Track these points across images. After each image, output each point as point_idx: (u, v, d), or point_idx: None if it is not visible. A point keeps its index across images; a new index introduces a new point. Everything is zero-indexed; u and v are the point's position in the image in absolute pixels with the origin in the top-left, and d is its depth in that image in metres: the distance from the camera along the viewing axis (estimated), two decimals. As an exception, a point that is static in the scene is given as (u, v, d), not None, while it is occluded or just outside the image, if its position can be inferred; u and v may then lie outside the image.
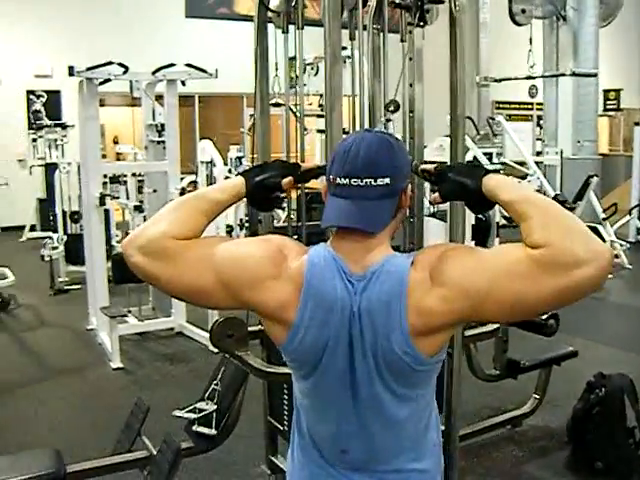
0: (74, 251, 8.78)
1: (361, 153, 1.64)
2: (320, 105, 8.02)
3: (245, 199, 1.87)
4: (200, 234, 1.72)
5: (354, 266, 1.65)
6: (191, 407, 3.60)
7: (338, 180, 1.65)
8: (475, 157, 9.31)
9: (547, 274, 1.47)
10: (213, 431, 3.53)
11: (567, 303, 1.52)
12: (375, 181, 1.62)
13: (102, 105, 13.47)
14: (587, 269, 1.45)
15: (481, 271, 1.56)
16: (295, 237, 3.73)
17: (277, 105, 4.34)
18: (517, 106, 18.39)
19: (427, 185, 3.29)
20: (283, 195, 1.93)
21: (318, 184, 1.86)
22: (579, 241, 1.48)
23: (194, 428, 3.58)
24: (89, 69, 6.25)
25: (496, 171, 1.70)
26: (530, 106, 17.74)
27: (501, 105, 18.11)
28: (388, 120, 2.08)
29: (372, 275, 1.63)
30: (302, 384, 1.79)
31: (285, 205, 3.91)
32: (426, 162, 1.93)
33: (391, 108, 2.35)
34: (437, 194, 1.79)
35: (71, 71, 6.19)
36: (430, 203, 1.86)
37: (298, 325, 1.66)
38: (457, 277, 1.57)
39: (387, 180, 1.63)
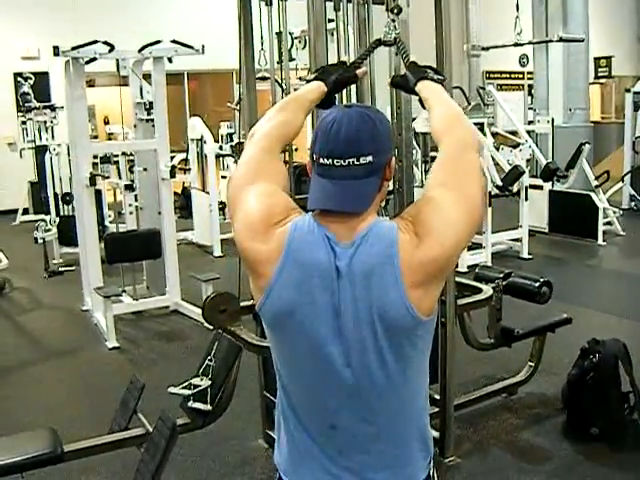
0: (67, 233, 8.76)
1: (343, 131, 1.65)
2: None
3: None
4: (301, 126, 2.00)
5: (340, 233, 1.66)
6: (186, 383, 3.60)
7: (321, 160, 1.67)
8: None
9: (458, 160, 1.79)
10: (208, 406, 3.54)
11: (479, 171, 1.81)
12: (358, 160, 1.64)
13: (92, 86, 13.50)
14: (475, 147, 1.85)
15: (443, 205, 1.66)
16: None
17: (264, 79, 4.33)
18: (508, 75, 18.34)
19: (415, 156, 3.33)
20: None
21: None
22: (468, 129, 1.90)
23: (189, 404, 3.58)
24: (74, 48, 6.19)
25: (437, 81, 2.00)
26: (521, 75, 17.70)
27: (492, 75, 18.07)
28: (393, 20, 2.33)
29: (361, 239, 1.64)
30: (282, 357, 1.78)
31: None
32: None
33: (395, 11, 2.54)
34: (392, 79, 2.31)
35: (56, 51, 6.13)
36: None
37: (274, 282, 1.66)
38: (436, 220, 1.64)
39: (370, 158, 1.64)
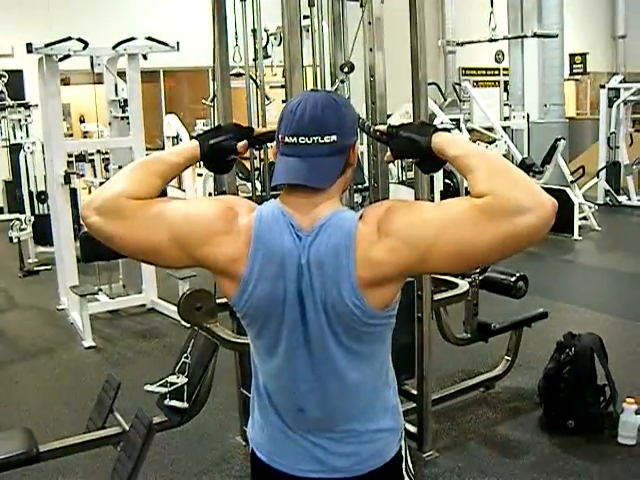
0: (42, 232, 8.69)
1: (307, 111, 1.66)
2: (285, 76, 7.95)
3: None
4: (155, 196, 1.74)
5: (303, 221, 1.67)
6: (162, 381, 3.58)
7: (286, 139, 1.67)
8: (441, 123, 9.31)
9: (491, 222, 1.49)
10: (185, 404, 3.52)
11: (510, 252, 1.56)
12: (322, 138, 1.65)
13: (67, 84, 13.39)
14: (530, 217, 1.47)
15: (427, 222, 1.57)
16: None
17: (238, 75, 4.31)
18: (484, 72, 18.40)
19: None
20: (245, 156, 1.95)
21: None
22: (523, 190, 1.50)
23: (166, 402, 3.56)
24: (47, 45, 6.15)
25: (447, 130, 1.75)
26: (497, 72, 17.77)
27: (468, 71, 18.12)
28: (342, 81, 2.04)
29: (320, 229, 1.65)
30: (257, 342, 1.80)
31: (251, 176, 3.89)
32: (377, 124, 1.91)
33: (345, 69, 2.32)
34: (389, 152, 1.81)
35: (29, 48, 6.09)
36: (386, 162, 1.88)
37: (247, 278, 1.67)
38: (403, 228, 1.58)
39: (334, 137, 1.66)
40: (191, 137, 1.87)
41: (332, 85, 2.30)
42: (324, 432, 1.78)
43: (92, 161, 10.27)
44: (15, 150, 10.52)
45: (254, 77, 4.00)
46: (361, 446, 1.79)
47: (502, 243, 1.51)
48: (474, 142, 9.41)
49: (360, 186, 5.36)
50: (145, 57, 6.79)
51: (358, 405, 1.78)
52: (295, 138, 1.66)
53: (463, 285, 4.31)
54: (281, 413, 1.80)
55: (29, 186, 9.73)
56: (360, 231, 1.62)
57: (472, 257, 1.56)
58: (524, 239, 1.51)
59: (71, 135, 14.62)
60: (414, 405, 4.06)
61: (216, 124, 2.84)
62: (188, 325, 3.95)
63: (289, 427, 1.80)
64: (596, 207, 10.75)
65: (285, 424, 1.80)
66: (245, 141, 1.86)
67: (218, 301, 3.70)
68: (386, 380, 1.84)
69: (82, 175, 8.06)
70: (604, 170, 12.03)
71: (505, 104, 14.04)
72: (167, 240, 1.67)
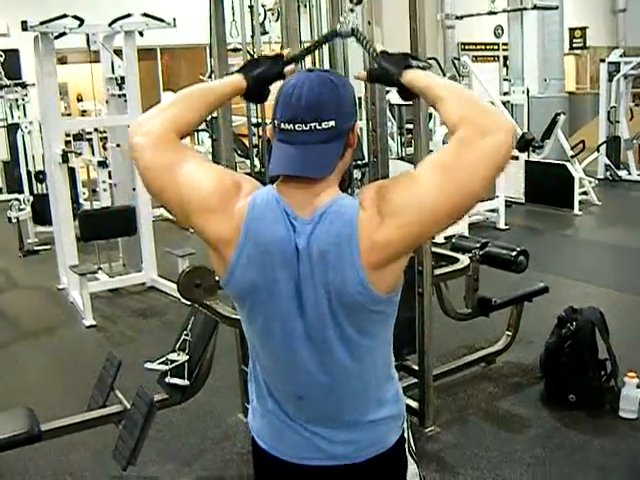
0: (41, 211, 8.65)
1: (304, 96, 1.60)
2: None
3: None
4: (199, 124, 1.83)
5: (300, 210, 1.63)
6: (163, 359, 3.58)
7: (283, 125, 1.62)
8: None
9: (473, 147, 1.55)
10: (186, 382, 3.52)
11: (494, 172, 1.58)
12: (320, 125, 1.60)
13: (64, 63, 13.32)
14: (500, 135, 1.56)
15: (423, 185, 1.56)
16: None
17: (236, 51, 4.27)
18: (483, 47, 18.28)
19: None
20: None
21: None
22: (489, 115, 1.61)
23: (167, 380, 3.57)
24: (43, 23, 6.10)
25: (424, 68, 1.80)
26: (496, 47, 17.66)
27: (467, 46, 18.00)
28: (352, 10, 2.04)
29: (320, 217, 1.61)
30: (250, 330, 1.77)
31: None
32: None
33: (355, 0, 2.34)
34: (363, 72, 1.90)
35: (24, 26, 6.04)
36: (355, 77, 1.97)
37: (235, 264, 1.65)
38: (404, 200, 1.56)
39: (332, 123, 1.61)
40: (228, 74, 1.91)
41: (340, 15, 2.29)
42: (324, 421, 1.76)
43: (90, 140, 10.26)
44: (13, 130, 10.49)
45: (252, 53, 3.96)
46: (362, 434, 1.77)
47: (488, 164, 1.56)
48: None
49: (359, 162, 5.33)
50: (141, 34, 6.74)
51: (359, 396, 1.76)
52: (291, 125, 1.61)
53: (464, 260, 4.30)
54: (280, 402, 1.79)
55: (27, 166, 9.69)
56: (361, 217, 1.58)
57: (470, 193, 1.57)
58: (501, 158, 1.57)
59: (69, 114, 14.57)
60: (415, 381, 4.06)
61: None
62: (188, 303, 3.95)
63: (288, 416, 1.78)
64: (596, 182, 10.74)
65: (284, 413, 1.78)
66: (292, 64, 1.88)
67: (217, 278, 3.69)
68: (388, 372, 1.83)
69: (80, 154, 8.01)
70: (604, 145, 11.98)
71: (505, 79, 13.94)
72: (173, 194, 1.66)
